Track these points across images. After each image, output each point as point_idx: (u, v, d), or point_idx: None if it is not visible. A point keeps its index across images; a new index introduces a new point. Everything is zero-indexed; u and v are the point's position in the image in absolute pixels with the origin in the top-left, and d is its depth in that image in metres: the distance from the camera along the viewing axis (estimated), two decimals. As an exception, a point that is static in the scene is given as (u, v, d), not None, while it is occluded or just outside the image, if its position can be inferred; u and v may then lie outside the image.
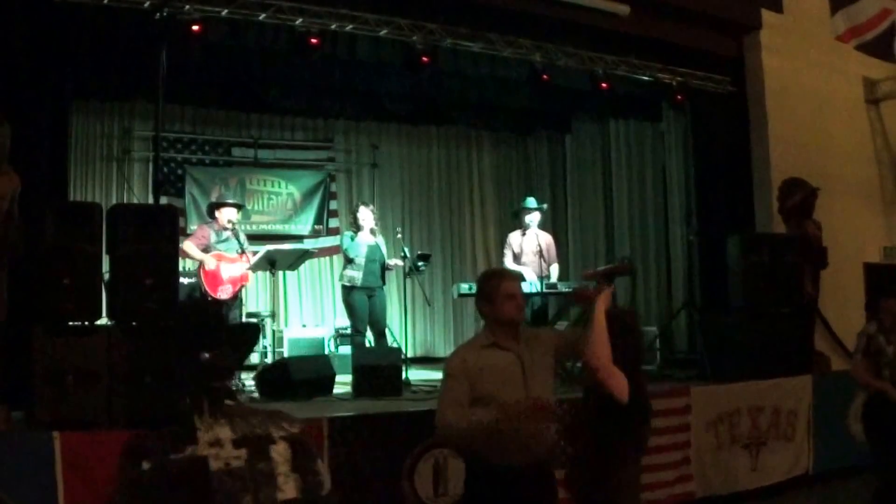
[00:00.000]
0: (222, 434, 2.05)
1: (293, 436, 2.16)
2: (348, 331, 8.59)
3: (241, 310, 7.44)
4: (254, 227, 9.85)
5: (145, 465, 1.97)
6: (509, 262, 8.37)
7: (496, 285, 3.52)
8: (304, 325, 10.07)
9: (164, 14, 5.97)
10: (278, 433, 2.13)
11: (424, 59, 7.06)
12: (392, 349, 7.55)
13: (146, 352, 4.80)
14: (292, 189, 10.53)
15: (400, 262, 8.10)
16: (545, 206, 9.00)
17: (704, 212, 8.60)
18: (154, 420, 2.27)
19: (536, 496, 3.33)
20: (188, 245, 7.06)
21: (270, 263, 7.40)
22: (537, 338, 3.59)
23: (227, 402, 2.14)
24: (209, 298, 7.05)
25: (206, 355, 2.14)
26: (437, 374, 8.18)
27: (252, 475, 2.03)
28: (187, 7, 6.09)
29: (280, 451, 2.10)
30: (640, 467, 3.23)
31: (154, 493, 1.96)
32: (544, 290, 8.01)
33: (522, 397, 3.34)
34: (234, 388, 2.20)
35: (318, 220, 10.59)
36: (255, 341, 4.06)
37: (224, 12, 6.31)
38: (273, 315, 8.05)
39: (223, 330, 2.31)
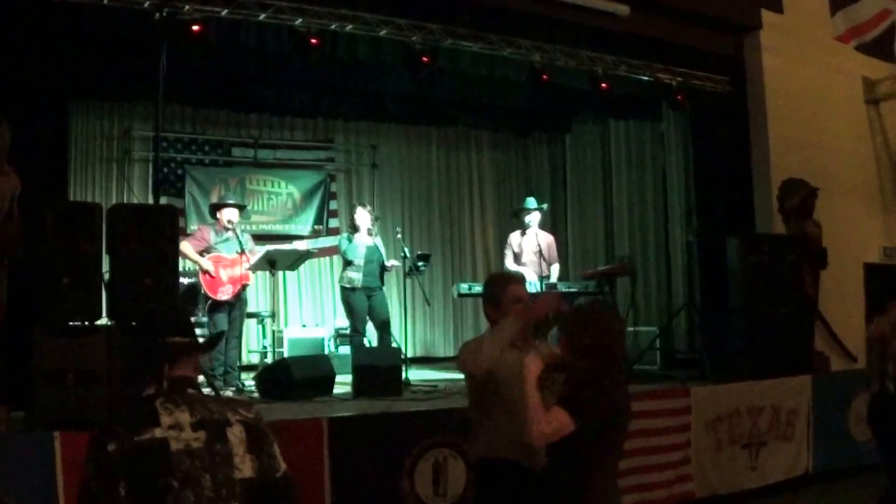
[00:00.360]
0: (182, 418, 2.18)
1: (249, 420, 2.30)
2: (348, 331, 8.60)
3: (242, 310, 7.43)
4: (254, 227, 9.84)
5: (110, 447, 2.09)
6: (509, 262, 8.37)
7: (503, 289, 3.52)
8: (304, 325, 10.08)
9: (164, 14, 5.96)
10: (235, 417, 2.27)
11: (424, 59, 7.06)
12: (392, 349, 7.56)
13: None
14: (292, 189, 10.54)
15: (398, 263, 8.11)
16: (545, 206, 8.99)
17: (704, 212, 8.60)
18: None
19: (542, 498, 3.33)
20: (185, 246, 7.05)
21: (270, 264, 7.41)
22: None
23: (189, 390, 2.28)
24: (202, 298, 7.09)
25: (170, 340, 2.31)
26: (437, 374, 8.25)
27: (210, 456, 2.17)
28: (187, 7, 6.09)
29: (236, 434, 2.24)
30: (616, 472, 3.21)
31: (119, 471, 2.07)
32: (544, 290, 8.00)
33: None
34: (196, 379, 2.37)
35: (318, 220, 10.61)
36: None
37: (224, 12, 6.31)
38: (273, 315, 8.04)
39: (187, 321, 2.51)
